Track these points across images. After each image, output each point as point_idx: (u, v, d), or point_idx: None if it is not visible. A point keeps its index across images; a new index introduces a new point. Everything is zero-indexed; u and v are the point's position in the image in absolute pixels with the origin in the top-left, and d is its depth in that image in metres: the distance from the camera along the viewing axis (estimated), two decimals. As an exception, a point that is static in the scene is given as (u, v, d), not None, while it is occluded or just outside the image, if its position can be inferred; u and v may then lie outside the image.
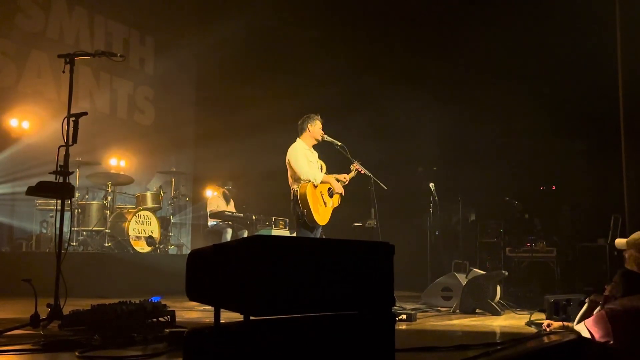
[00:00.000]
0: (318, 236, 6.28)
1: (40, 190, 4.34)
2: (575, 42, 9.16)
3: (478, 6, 10.37)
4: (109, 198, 8.85)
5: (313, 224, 6.09)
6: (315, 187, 6.12)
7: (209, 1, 12.21)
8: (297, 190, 6.09)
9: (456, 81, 10.47)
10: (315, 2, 11.02)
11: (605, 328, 3.82)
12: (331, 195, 6.29)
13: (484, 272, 6.63)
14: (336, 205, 6.38)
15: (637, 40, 7.71)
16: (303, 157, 6.20)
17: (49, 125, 8.45)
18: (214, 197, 10.40)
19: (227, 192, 10.29)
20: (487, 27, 10.23)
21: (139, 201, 9.28)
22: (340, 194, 6.32)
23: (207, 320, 4.94)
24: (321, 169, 6.43)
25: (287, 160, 6.27)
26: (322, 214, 6.16)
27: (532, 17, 10.02)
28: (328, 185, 6.26)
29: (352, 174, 6.48)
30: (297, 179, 6.14)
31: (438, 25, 10.70)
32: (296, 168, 6.15)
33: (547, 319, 4.87)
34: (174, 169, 10.54)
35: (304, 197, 6.02)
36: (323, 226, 6.31)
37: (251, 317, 2.09)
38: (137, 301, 3.98)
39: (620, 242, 4.39)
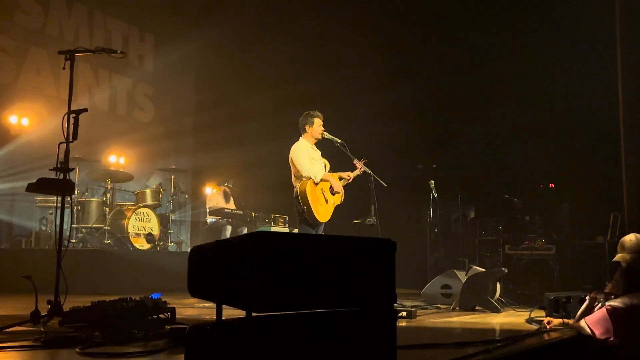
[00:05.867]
0: (320, 233, 6.29)
1: (41, 187, 4.33)
2: (576, 40, 9.15)
3: (479, 9, 10.38)
4: (109, 195, 8.84)
5: (314, 221, 6.11)
6: (316, 184, 6.13)
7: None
8: (297, 188, 6.11)
9: (453, 77, 10.46)
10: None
11: (606, 325, 3.83)
12: (333, 193, 6.30)
13: (483, 270, 6.63)
14: (338, 202, 6.38)
15: (637, 38, 7.71)
16: (305, 155, 6.23)
17: (48, 122, 8.44)
18: (213, 194, 10.40)
19: (227, 189, 10.30)
20: (485, 30, 10.24)
21: (139, 198, 9.28)
22: (337, 192, 6.32)
23: (207, 317, 4.94)
24: (325, 167, 6.44)
25: (290, 158, 6.30)
26: (322, 211, 6.16)
27: (531, 16, 10.03)
28: (330, 183, 6.27)
29: (357, 171, 6.49)
30: (300, 177, 6.16)
31: (433, 24, 10.70)
32: (298, 165, 6.19)
33: (547, 316, 4.86)
34: (174, 166, 10.54)
35: (303, 195, 6.05)
36: (324, 223, 6.32)
37: (253, 314, 2.09)
38: (137, 298, 3.98)
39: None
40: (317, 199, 6.14)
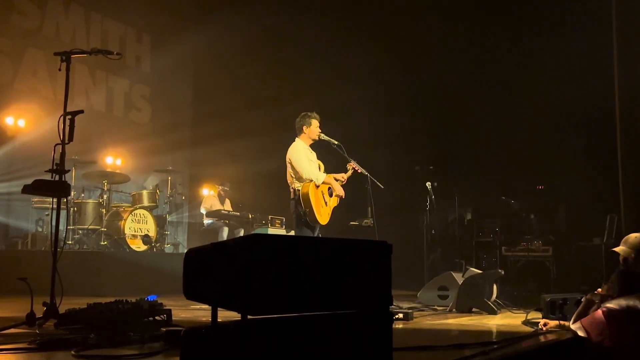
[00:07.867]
0: (316, 235, 6.26)
1: (37, 188, 4.32)
2: (573, 41, 9.17)
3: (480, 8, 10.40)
4: (105, 196, 8.83)
5: (314, 224, 6.06)
6: (317, 186, 6.08)
7: (206, -1, 12.20)
8: (299, 190, 6.03)
9: (451, 77, 10.46)
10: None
11: (601, 327, 3.83)
12: (331, 195, 6.28)
13: (480, 271, 6.63)
14: (335, 204, 6.35)
15: (633, 39, 7.73)
16: (304, 157, 6.17)
17: (45, 123, 8.42)
18: (209, 196, 10.40)
19: (222, 192, 10.30)
20: (485, 27, 10.25)
21: (135, 200, 9.27)
22: (339, 195, 6.31)
23: (204, 319, 4.92)
24: (319, 168, 6.41)
25: (287, 159, 6.23)
26: (323, 213, 6.12)
27: (529, 17, 10.04)
28: (328, 185, 6.24)
29: (349, 172, 6.46)
30: (299, 178, 6.09)
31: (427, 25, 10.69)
32: (298, 167, 6.09)
33: (543, 318, 4.87)
34: (171, 168, 10.51)
35: (306, 197, 5.97)
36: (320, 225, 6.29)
37: (249, 316, 2.08)
38: (134, 300, 3.96)
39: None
40: (319, 201, 6.09)
